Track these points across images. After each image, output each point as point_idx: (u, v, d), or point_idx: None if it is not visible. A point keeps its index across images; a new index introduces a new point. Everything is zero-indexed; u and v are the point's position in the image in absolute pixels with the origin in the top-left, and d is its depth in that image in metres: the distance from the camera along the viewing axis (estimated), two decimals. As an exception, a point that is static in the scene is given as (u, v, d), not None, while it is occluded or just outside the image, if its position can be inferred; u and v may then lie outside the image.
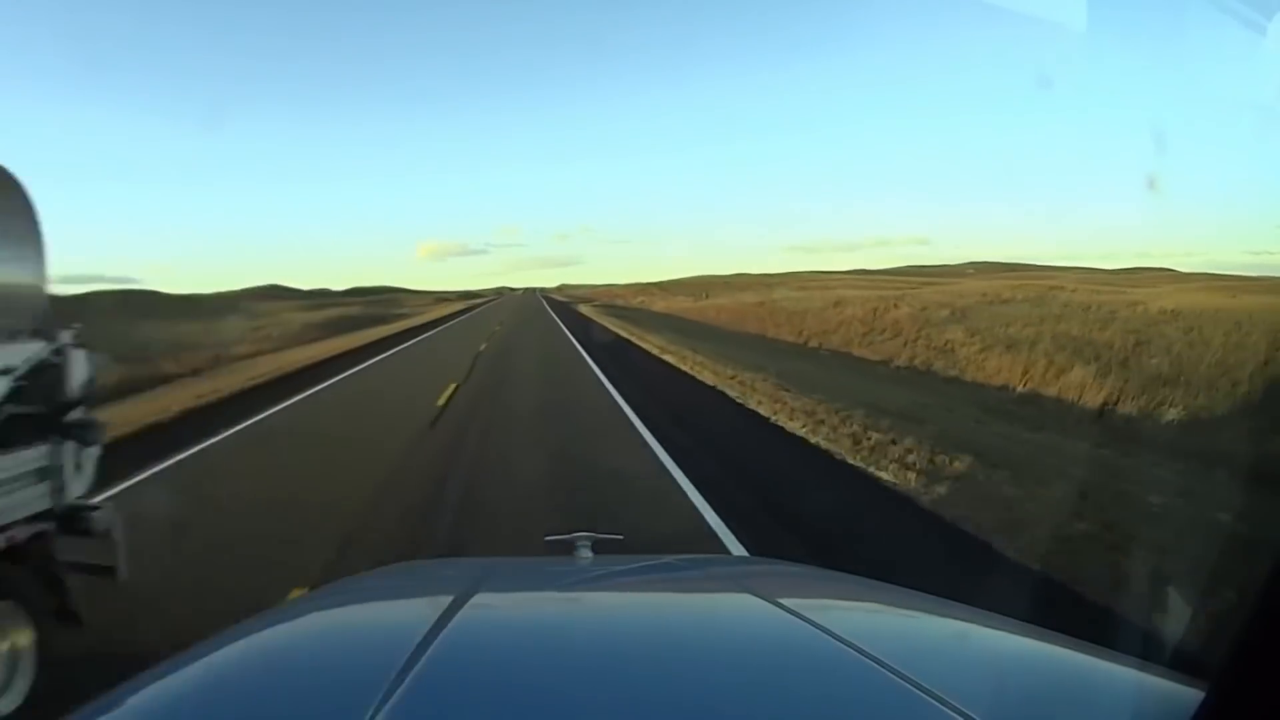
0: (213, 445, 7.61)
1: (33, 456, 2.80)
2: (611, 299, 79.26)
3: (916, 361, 17.16)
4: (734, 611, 1.13)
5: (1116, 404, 10.95)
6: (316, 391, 11.69)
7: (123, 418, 7.58)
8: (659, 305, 50.95)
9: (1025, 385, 12.91)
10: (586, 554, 1.44)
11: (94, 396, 3.17)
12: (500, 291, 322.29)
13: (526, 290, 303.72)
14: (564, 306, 55.89)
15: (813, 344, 23.19)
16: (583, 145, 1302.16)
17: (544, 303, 68.67)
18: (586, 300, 79.54)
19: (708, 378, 11.80)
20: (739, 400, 9.75)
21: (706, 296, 54.99)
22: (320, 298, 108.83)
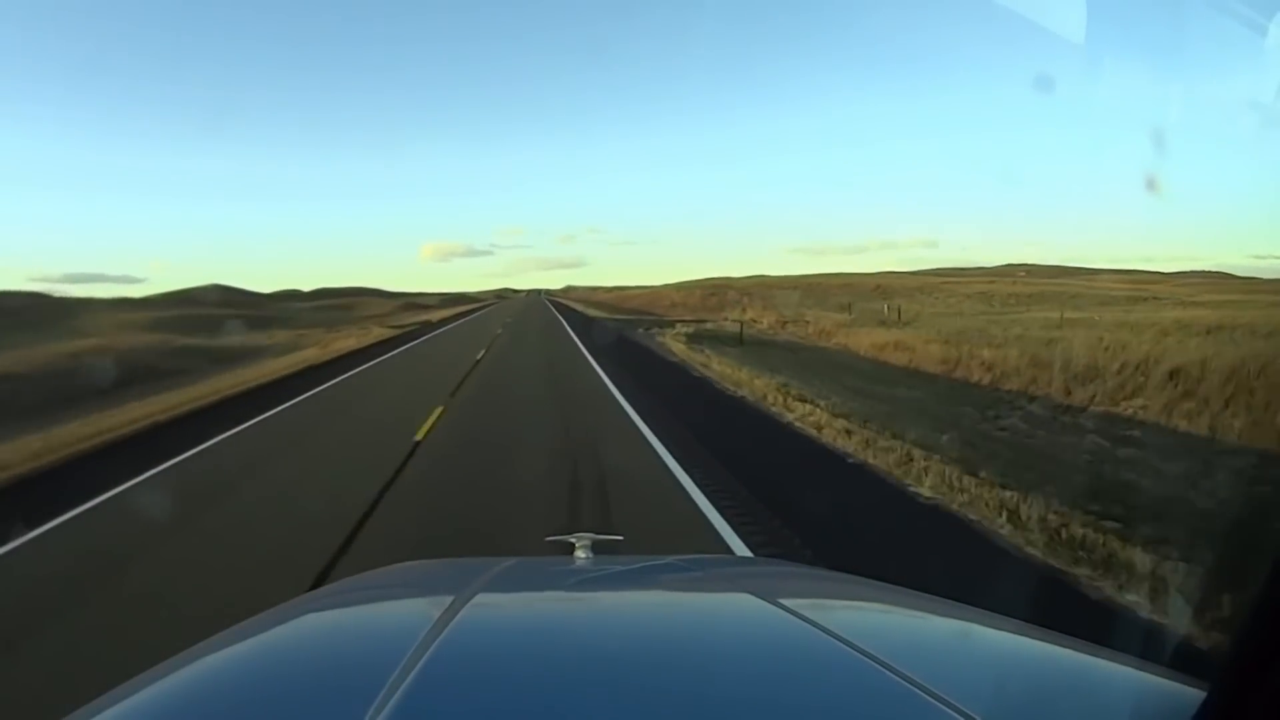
0: None
1: None
2: (669, 309, 49.14)
3: None
4: (734, 612, 1.15)
5: None
6: None
7: None
8: (850, 340, 20.70)
9: None
10: (586, 554, 1.46)
11: None
12: (501, 294, 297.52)
13: (530, 292, 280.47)
14: (621, 339, 24.12)
15: None
16: (587, 147, 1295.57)
17: (564, 323, 37.01)
18: (639, 317, 42.73)
19: None
20: None
21: (899, 317, 25.82)
22: (266, 303, 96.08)
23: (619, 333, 26.08)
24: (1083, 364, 16.48)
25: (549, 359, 18.15)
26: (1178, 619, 3.28)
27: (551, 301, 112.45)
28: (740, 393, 11.16)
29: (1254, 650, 0.62)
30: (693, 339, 21.71)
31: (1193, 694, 0.74)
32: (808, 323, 31.38)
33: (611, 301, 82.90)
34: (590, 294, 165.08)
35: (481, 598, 1.12)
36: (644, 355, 18.40)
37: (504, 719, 0.75)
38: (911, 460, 6.45)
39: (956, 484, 5.68)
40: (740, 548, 4.58)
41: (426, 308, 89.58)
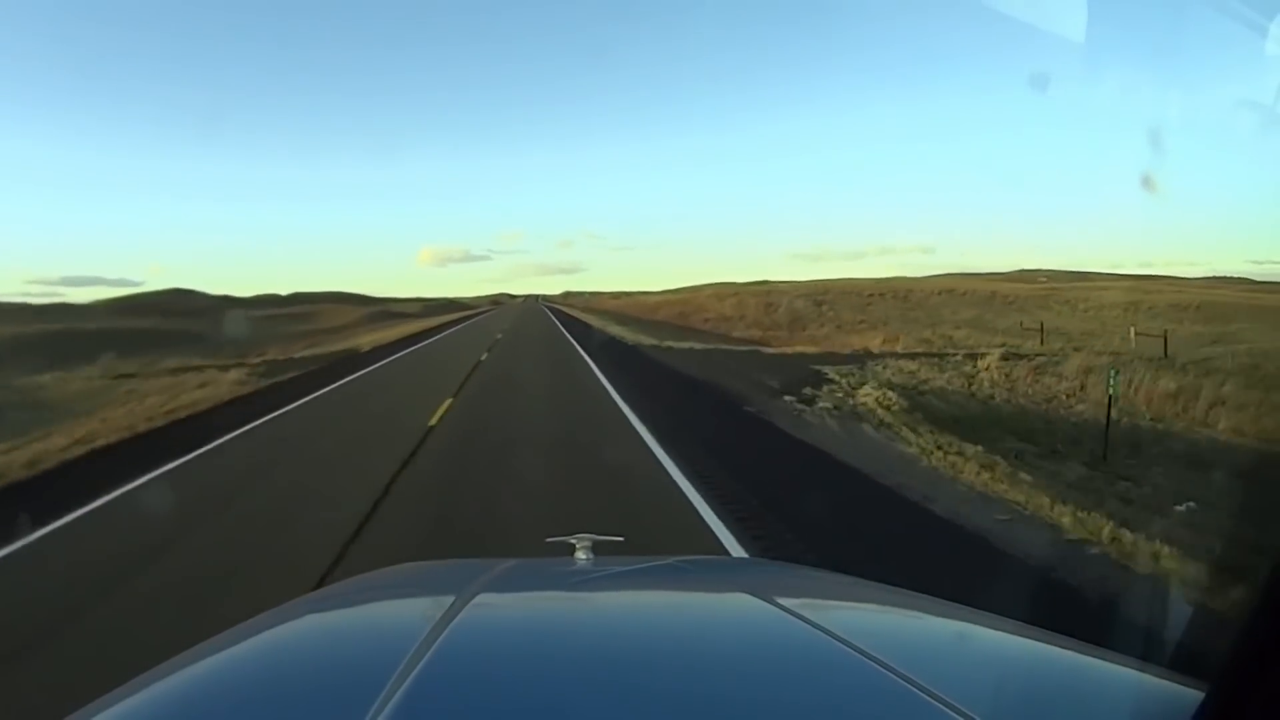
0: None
1: None
2: (722, 325, 33.97)
3: None
4: (734, 612, 1.17)
5: None
6: None
7: None
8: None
9: None
10: (586, 555, 1.46)
11: None
12: (497, 300, 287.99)
13: (527, 298, 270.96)
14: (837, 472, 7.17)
15: None
16: (586, 152, 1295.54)
17: (591, 367, 16.93)
18: (710, 347, 22.79)
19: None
20: None
21: (1164, 352, 13.89)
22: (217, 310, 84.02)
23: (761, 413, 10.50)
24: None
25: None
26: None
27: (550, 308, 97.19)
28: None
29: (1253, 650, 0.63)
30: (980, 442, 7.36)
31: (1192, 694, 0.74)
32: (1035, 359, 17.09)
33: (625, 310, 65.23)
34: (593, 300, 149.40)
35: (482, 598, 1.12)
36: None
37: (504, 719, 0.75)
38: None
39: None
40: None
41: (402, 317, 75.95)
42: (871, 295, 42.76)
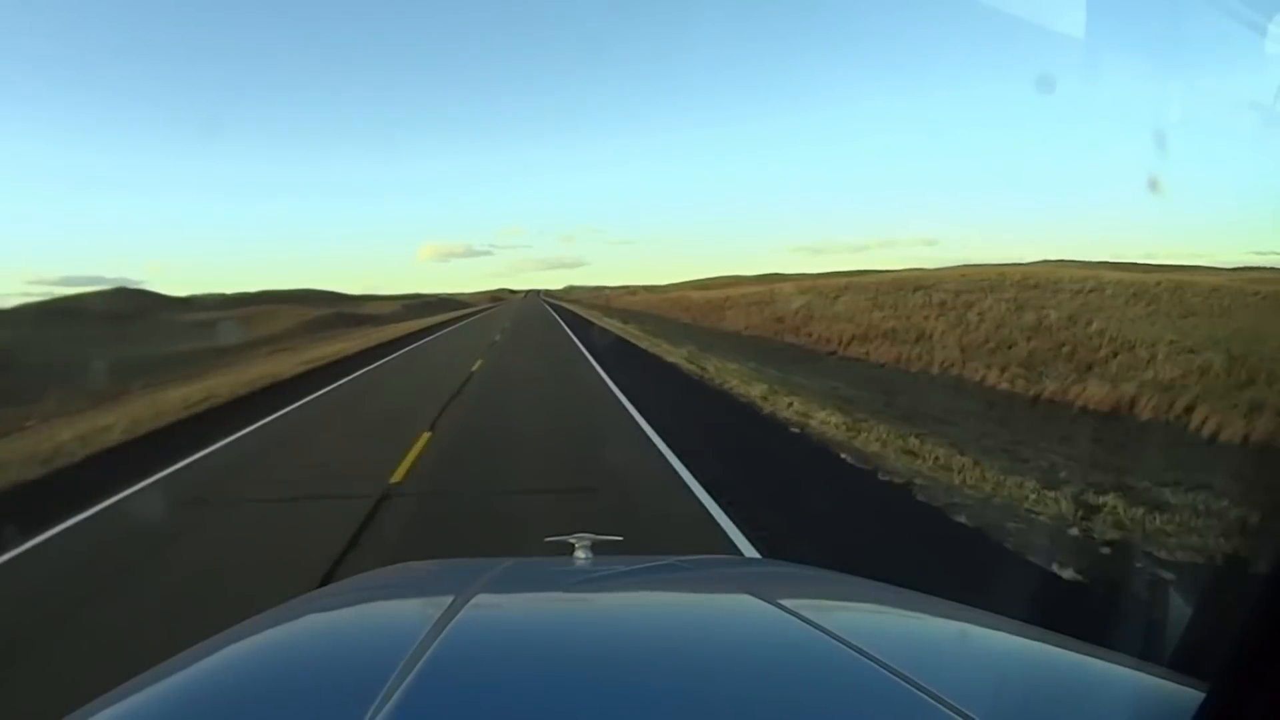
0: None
1: None
2: (891, 348, 16.36)
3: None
4: (735, 613, 1.17)
5: None
6: None
7: None
8: None
9: None
10: (586, 554, 1.47)
11: None
12: (497, 296, 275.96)
13: (529, 293, 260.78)
14: None
15: None
16: (587, 146, 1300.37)
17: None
18: None
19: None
20: None
21: None
22: (167, 309, 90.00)
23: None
24: None
25: None
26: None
27: (553, 305, 78.68)
28: None
29: (1254, 650, 0.63)
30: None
31: (1192, 694, 0.74)
32: None
33: (659, 311, 48.44)
34: (613, 296, 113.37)
35: (481, 598, 1.12)
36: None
37: (504, 719, 0.76)
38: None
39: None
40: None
41: (363, 323, 58.30)
42: (1064, 291, 23.98)
